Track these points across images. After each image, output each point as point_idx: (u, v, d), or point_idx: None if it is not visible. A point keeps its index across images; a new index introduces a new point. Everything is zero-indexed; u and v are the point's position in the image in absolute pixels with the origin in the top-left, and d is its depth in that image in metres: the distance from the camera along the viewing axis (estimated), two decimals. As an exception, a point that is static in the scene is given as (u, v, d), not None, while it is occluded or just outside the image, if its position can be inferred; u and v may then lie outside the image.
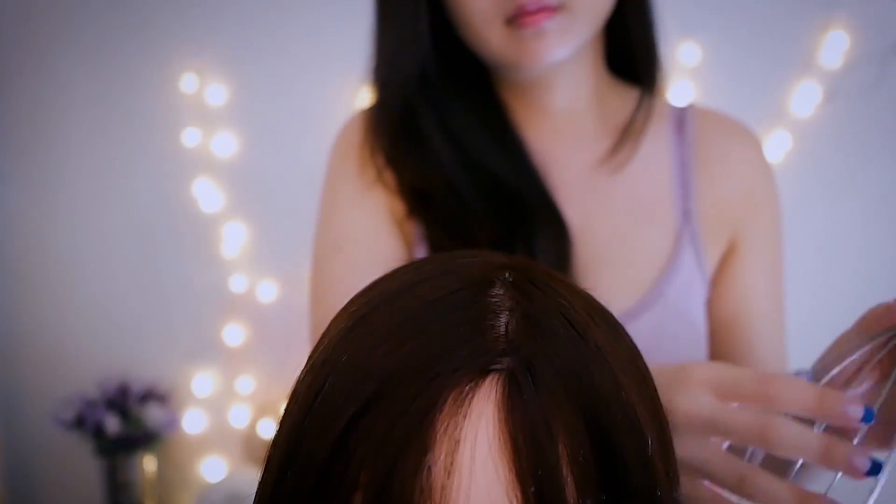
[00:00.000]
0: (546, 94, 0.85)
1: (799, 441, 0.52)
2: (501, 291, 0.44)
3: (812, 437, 0.52)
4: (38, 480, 2.13)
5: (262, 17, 1.95)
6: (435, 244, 0.82)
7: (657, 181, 0.85)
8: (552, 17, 0.75)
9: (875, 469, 0.51)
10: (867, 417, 0.51)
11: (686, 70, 1.85)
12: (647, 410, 0.43)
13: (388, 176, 0.84)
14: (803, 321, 1.90)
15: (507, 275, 0.45)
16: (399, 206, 0.84)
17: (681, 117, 0.88)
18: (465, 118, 0.84)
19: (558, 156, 0.85)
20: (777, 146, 1.84)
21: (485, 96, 0.86)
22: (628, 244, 0.83)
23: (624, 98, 0.87)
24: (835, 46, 1.80)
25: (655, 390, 0.46)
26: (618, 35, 0.86)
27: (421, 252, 0.84)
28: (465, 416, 0.39)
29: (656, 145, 0.86)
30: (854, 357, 0.55)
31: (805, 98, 1.82)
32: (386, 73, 0.84)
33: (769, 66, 1.84)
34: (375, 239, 0.85)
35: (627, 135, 0.85)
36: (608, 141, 0.85)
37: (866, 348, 0.55)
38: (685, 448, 0.54)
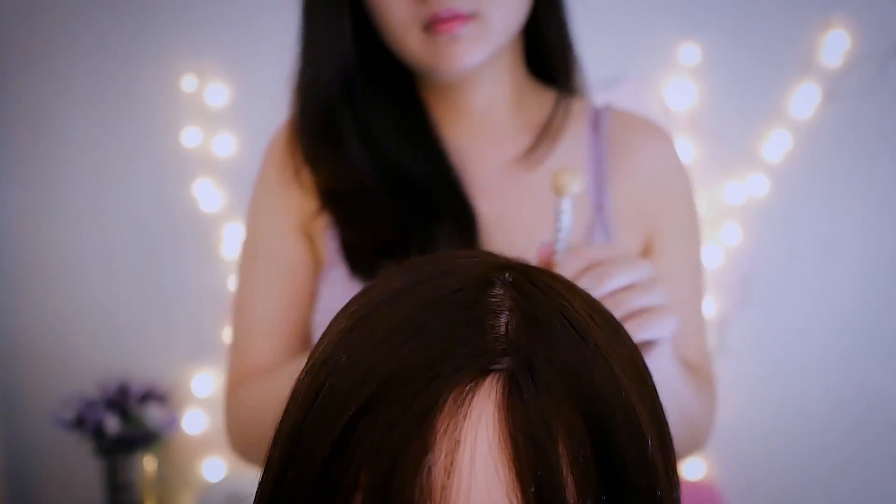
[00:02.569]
0: (465, 95, 0.89)
1: None
2: (501, 291, 0.44)
3: None
4: (38, 480, 2.13)
5: (263, 17, 1.95)
6: (343, 240, 0.87)
7: None
8: (466, 25, 0.79)
9: None
10: None
11: (686, 70, 1.85)
12: (647, 410, 0.43)
13: (305, 174, 0.88)
14: (805, 321, 1.91)
15: (507, 275, 0.45)
16: (311, 204, 0.88)
17: (597, 117, 0.91)
18: (383, 119, 0.88)
19: (476, 153, 0.89)
20: (777, 146, 1.84)
21: (407, 97, 0.90)
22: (540, 236, 0.85)
23: (542, 98, 0.91)
24: (835, 46, 1.80)
25: (655, 390, 0.46)
26: (534, 39, 0.90)
27: (330, 248, 0.88)
28: (465, 417, 0.39)
29: (572, 143, 0.89)
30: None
31: (805, 98, 1.82)
32: (308, 75, 0.88)
33: (769, 66, 1.84)
34: (285, 245, 0.90)
35: (544, 134, 0.88)
36: (526, 139, 0.89)
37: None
38: None
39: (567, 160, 0.88)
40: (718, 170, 1.85)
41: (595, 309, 0.46)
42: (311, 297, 0.91)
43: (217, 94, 1.98)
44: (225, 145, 1.99)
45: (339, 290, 0.87)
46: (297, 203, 0.90)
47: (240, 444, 0.92)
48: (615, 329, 0.46)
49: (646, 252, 0.90)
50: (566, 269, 0.66)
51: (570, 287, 0.47)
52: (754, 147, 1.84)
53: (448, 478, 0.38)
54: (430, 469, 0.38)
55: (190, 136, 1.99)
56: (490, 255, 0.49)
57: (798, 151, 1.84)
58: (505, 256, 0.49)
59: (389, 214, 0.86)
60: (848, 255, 1.87)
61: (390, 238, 0.85)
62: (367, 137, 0.87)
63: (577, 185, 0.68)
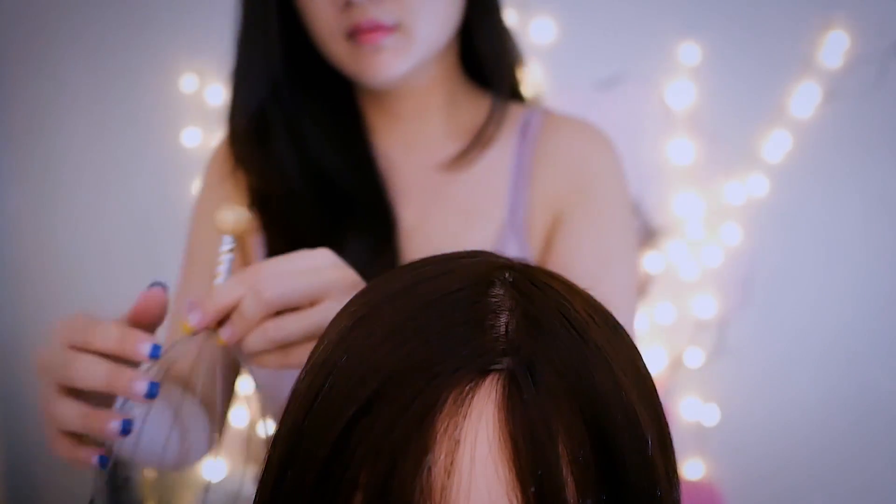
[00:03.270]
0: (397, 100, 0.89)
1: (89, 372, 0.59)
2: (501, 291, 0.44)
3: (100, 368, 0.59)
4: (38, 480, 2.13)
5: (262, 17, 1.95)
6: (268, 243, 0.87)
7: (494, 182, 0.88)
8: (388, 36, 0.79)
9: (153, 391, 0.59)
10: (153, 353, 0.59)
11: (686, 70, 1.85)
12: (647, 410, 0.43)
13: (240, 174, 0.89)
14: (805, 321, 1.91)
15: (507, 275, 0.45)
16: (242, 203, 0.88)
17: (527, 121, 0.90)
18: (313, 124, 0.87)
19: (405, 159, 0.89)
20: (777, 146, 1.84)
21: (343, 102, 0.89)
22: (457, 242, 0.85)
23: (477, 104, 0.91)
24: (835, 46, 1.80)
25: (655, 390, 0.46)
26: (468, 45, 0.89)
27: (258, 255, 0.88)
28: (465, 416, 0.39)
29: (500, 148, 0.89)
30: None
31: (805, 98, 1.82)
32: (239, 78, 0.87)
33: (769, 66, 1.84)
34: (216, 248, 0.89)
35: (476, 141, 0.88)
36: (457, 145, 0.89)
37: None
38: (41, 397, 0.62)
39: (491, 166, 0.88)
40: (718, 170, 1.85)
41: (595, 309, 0.46)
42: None
43: (217, 94, 1.98)
44: (225, 145, 1.99)
45: None
46: (230, 202, 0.89)
47: None
48: (615, 329, 0.46)
49: (548, 239, 0.88)
50: (217, 302, 0.62)
51: (570, 287, 0.47)
52: (754, 147, 1.84)
53: (448, 478, 0.38)
54: (430, 469, 0.38)
55: (190, 136, 1.99)
56: (490, 255, 0.50)
57: (798, 151, 1.84)
58: (505, 256, 0.49)
59: (310, 220, 0.86)
60: (848, 255, 1.87)
61: (308, 245, 0.85)
62: (296, 141, 0.87)
63: (242, 223, 0.66)
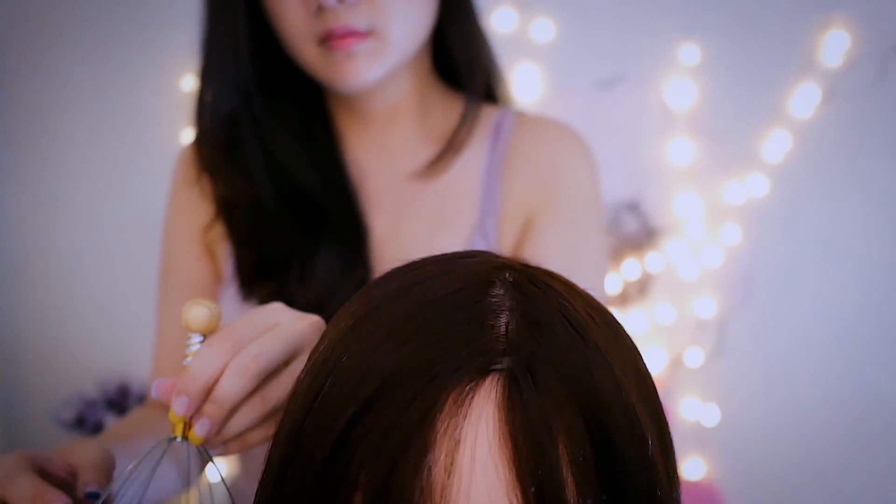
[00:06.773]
0: (368, 106, 0.87)
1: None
2: (502, 291, 0.44)
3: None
4: (38, 480, 2.12)
5: (262, 17, 1.95)
6: (236, 251, 0.86)
7: (465, 187, 0.87)
8: (362, 42, 0.78)
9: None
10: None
11: (686, 70, 1.85)
12: (648, 411, 0.43)
13: (205, 181, 0.88)
14: (805, 321, 1.91)
15: (507, 275, 0.45)
16: (209, 211, 0.88)
17: (499, 123, 0.89)
18: (283, 131, 0.86)
19: (377, 166, 0.88)
20: (777, 146, 1.84)
21: (311, 107, 0.88)
22: (428, 250, 0.84)
23: (450, 107, 0.89)
24: (835, 46, 1.80)
25: (655, 390, 0.46)
26: (441, 48, 0.88)
27: (228, 264, 0.87)
28: (465, 417, 0.39)
29: (472, 152, 0.88)
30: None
31: (805, 98, 1.82)
32: (208, 81, 0.86)
33: (769, 66, 1.84)
34: (190, 258, 0.91)
35: (449, 147, 0.86)
36: (430, 150, 0.87)
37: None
38: None
39: (463, 170, 0.87)
40: (718, 170, 1.85)
41: (595, 309, 0.46)
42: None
43: (217, 94, 1.97)
44: (225, 145, 1.98)
45: (232, 309, 0.85)
46: (197, 210, 0.89)
47: None
48: (615, 329, 0.46)
49: (522, 235, 0.87)
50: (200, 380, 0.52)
51: (570, 287, 0.47)
52: (754, 147, 1.84)
53: (448, 478, 0.38)
54: (430, 469, 0.38)
55: (190, 137, 1.99)
56: (490, 255, 0.50)
57: (798, 151, 1.84)
58: (506, 256, 0.49)
59: (279, 230, 0.84)
60: (848, 255, 1.87)
61: (276, 255, 0.83)
62: (265, 148, 0.85)
63: (214, 322, 0.55)
